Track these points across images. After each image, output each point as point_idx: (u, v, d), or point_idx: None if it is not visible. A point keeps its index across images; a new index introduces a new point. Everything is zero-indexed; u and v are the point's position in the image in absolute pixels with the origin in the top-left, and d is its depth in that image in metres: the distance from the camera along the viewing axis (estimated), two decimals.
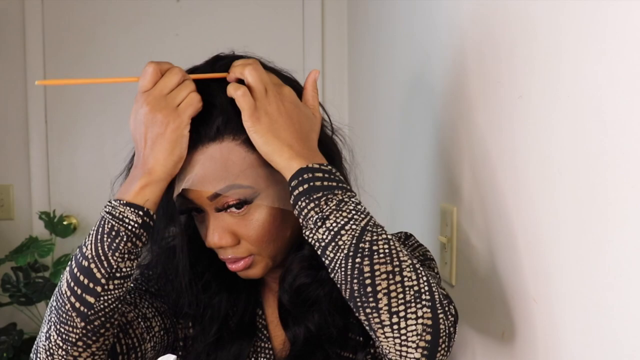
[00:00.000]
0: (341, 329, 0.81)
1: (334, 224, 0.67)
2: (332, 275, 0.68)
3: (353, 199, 0.69)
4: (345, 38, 2.32)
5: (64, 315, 0.69)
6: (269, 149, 0.71)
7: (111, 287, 0.69)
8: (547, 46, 0.69)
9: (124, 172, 0.78)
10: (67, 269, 0.70)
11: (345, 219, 0.67)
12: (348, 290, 0.66)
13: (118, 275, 0.69)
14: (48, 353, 0.70)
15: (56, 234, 2.27)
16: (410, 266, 0.66)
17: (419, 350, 0.65)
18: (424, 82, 1.16)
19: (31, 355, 0.73)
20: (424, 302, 0.65)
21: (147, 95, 0.71)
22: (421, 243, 0.88)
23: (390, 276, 0.65)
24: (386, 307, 0.64)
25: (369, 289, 0.64)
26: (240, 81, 0.74)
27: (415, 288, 0.65)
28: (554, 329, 0.70)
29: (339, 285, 0.68)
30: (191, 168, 0.73)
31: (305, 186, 0.68)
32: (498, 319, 0.85)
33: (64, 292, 0.69)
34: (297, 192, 0.69)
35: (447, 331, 0.66)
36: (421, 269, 0.67)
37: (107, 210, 0.69)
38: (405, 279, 0.65)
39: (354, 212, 0.68)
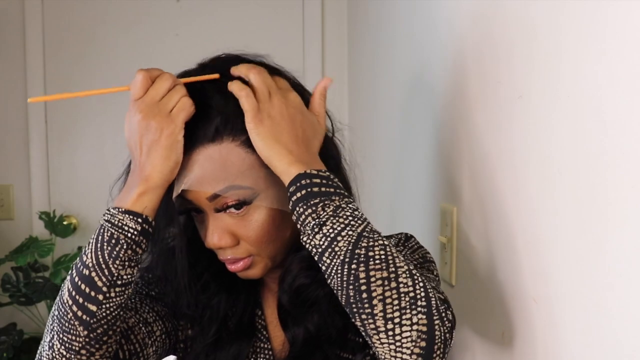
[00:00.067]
0: (340, 330, 0.81)
1: (331, 230, 0.67)
2: (329, 281, 0.68)
3: (350, 205, 0.69)
4: (345, 38, 2.32)
5: (67, 324, 0.69)
6: (269, 153, 0.71)
7: (113, 294, 0.69)
8: (547, 46, 0.69)
9: (122, 177, 0.78)
10: (68, 277, 0.70)
11: (342, 225, 0.67)
12: (344, 296, 0.66)
13: (119, 282, 0.69)
14: None
15: (56, 234, 2.27)
16: (407, 272, 0.66)
17: (414, 356, 0.65)
18: (424, 82, 1.16)
19: None
20: (419, 309, 0.65)
21: (139, 103, 0.72)
22: (421, 245, 0.87)
23: (386, 282, 0.65)
24: (381, 314, 0.64)
25: (364, 295, 0.65)
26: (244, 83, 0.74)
27: (411, 294, 0.65)
28: (554, 329, 0.70)
29: (335, 291, 0.68)
30: (190, 169, 0.73)
31: (303, 192, 0.68)
32: (498, 319, 0.85)
33: (65, 301, 0.69)
34: (295, 197, 0.69)
35: (442, 337, 0.66)
36: (418, 274, 0.67)
37: (106, 218, 0.70)
38: (401, 285, 0.65)
39: (350, 218, 0.68)
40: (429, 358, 0.65)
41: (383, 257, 0.66)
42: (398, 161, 1.43)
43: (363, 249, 0.66)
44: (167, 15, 2.33)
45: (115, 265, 0.68)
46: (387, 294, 0.64)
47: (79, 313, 0.69)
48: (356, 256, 0.65)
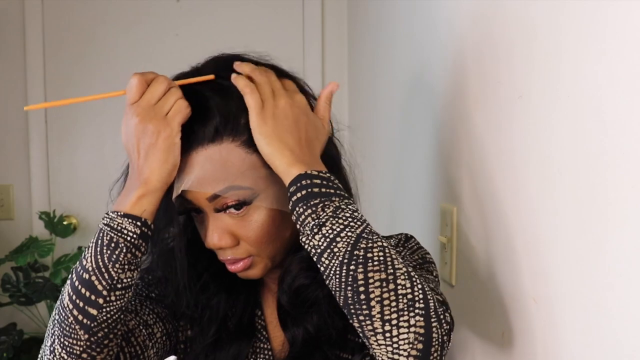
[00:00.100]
0: (340, 331, 0.81)
1: (330, 231, 0.67)
2: (327, 281, 0.68)
3: (350, 207, 0.69)
4: (345, 38, 2.32)
5: (67, 329, 0.69)
6: (271, 152, 0.71)
7: (113, 298, 0.69)
8: (547, 46, 0.68)
9: (121, 178, 0.78)
10: (68, 282, 0.71)
11: (342, 226, 0.67)
12: (342, 297, 0.66)
13: (119, 286, 0.69)
14: None
15: (56, 234, 2.27)
16: (405, 274, 0.66)
17: (411, 358, 0.65)
18: (424, 82, 1.16)
19: None
20: (417, 311, 0.65)
21: (135, 107, 0.72)
22: (421, 245, 0.87)
23: (384, 284, 0.65)
24: (379, 315, 0.64)
25: (362, 296, 0.65)
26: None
27: (409, 296, 0.65)
28: (554, 329, 0.70)
29: (333, 292, 0.68)
30: (190, 169, 0.74)
31: (304, 192, 0.69)
32: (498, 319, 0.85)
33: (66, 305, 0.69)
34: (295, 197, 0.69)
35: (440, 340, 0.65)
36: (416, 276, 0.67)
37: (105, 222, 0.70)
38: (399, 287, 0.65)
39: (350, 219, 0.68)
40: None
41: (382, 258, 0.66)
42: (398, 161, 1.43)
43: (362, 250, 0.66)
44: (167, 15, 2.33)
45: (115, 269, 0.69)
46: (385, 295, 0.64)
47: (80, 317, 0.69)
48: (355, 257, 0.65)
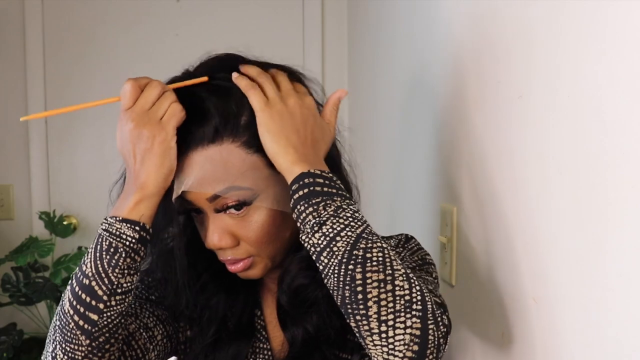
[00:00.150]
0: (339, 330, 0.81)
1: (330, 230, 0.67)
2: (326, 280, 0.68)
3: (351, 207, 0.70)
4: (345, 38, 2.32)
5: (69, 334, 0.70)
6: (275, 149, 0.71)
7: (113, 303, 0.69)
8: (547, 46, 0.68)
9: (121, 179, 0.79)
10: (69, 287, 0.71)
11: (342, 226, 0.67)
12: (340, 296, 0.66)
13: (119, 291, 0.70)
14: None
15: (56, 234, 2.27)
16: (403, 275, 0.66)
17: (406, 359, 0.65)
18: (424, 82, 1.16)
19: None
20: (414, 312, 0.65)
21: (129, 112, 0.73)
22: (422, 246, 0.87)
23: (382, 284, 0.65)
24: (375, 315, 0.64)
25: (359, 296, 0.65)
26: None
27: (407, 297, 0.65)
28: (554, 329, 0.70)
29: (331, 291, 0.68)
30: (190, 170, 0.74)
31: (306, 190, 0.69)
32: (498, 319, 0.85)
33: (66, 311, 0.70)
34: (297, 195, 0.69)
35: (436, 342, 0.65)
36: (415, 278, 0.67)
37: (104, 227, 0.70)
38: (397, 288, 0.65)
39: (350, 219, 0.68)
40: None
41: (380, 259, 0.66)
42: (398, 161, 1.43)
43: (361, 250, 0.66)
44: (167, 15, 2.33)
45: (115, 274, 0.69)
46: (383, 296, 0.64)
47: (81, 322, 0.69)
48: (354, 257, 0.66)
